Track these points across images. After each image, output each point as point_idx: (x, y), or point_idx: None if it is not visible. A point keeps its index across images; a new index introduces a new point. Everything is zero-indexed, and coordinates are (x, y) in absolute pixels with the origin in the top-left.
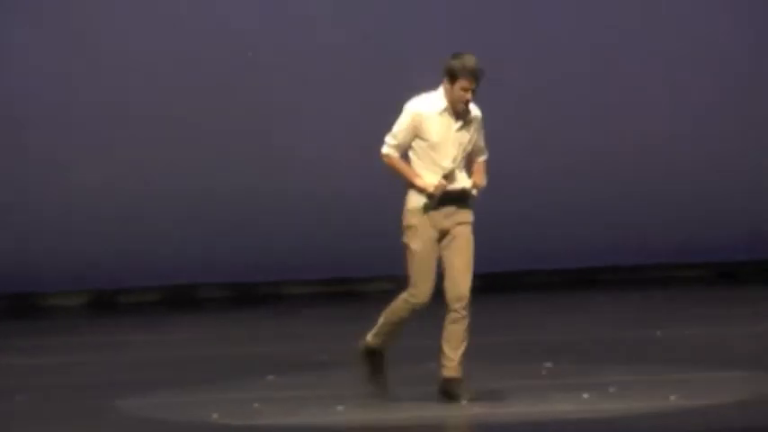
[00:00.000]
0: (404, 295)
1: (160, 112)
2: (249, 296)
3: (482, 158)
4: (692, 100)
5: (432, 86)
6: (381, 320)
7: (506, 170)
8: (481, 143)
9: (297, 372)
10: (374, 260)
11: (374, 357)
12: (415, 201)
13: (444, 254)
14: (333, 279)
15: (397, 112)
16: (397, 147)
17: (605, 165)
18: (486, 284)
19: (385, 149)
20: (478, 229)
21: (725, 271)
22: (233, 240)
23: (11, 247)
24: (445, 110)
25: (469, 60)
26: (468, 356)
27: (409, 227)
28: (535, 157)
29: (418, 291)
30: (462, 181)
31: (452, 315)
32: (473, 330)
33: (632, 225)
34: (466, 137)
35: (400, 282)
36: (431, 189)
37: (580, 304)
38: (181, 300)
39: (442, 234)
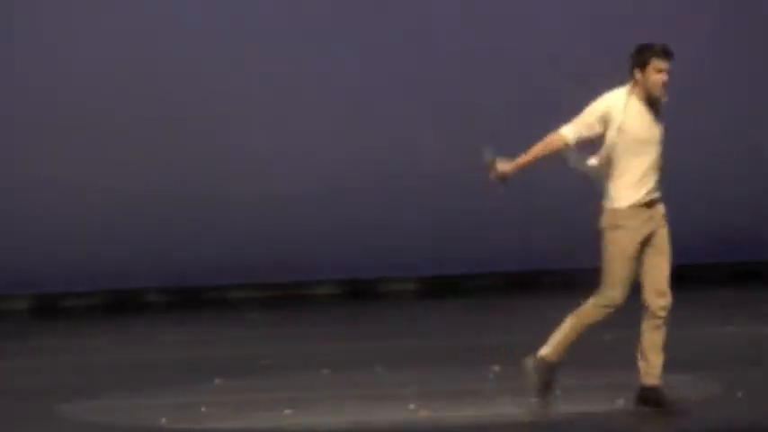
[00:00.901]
0: (594, 300)
1: (100, 114)
2: (195, 300)
3: None
4: None
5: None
6: (565, 332)
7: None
8: None
9: (245, 375)
10: (318, 263)
11: (548, 371)
12: (624, 198)
13: (646, 257)
14: (276, 283)
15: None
16: (578, 139)
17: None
18: (430, 288)
19: (570, 136)
20: (418, 234)
21: (676, 273)
22: (177, 244)
23: None
24: (633, 101)
25: (657, 44)
26: (413, 360)
27: (617, 227)
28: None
29: (616, 294)
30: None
31: (655, 321)
32: (413, 334)
33: (574, 228)
34: (660, 128)
35: (344, 285)
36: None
37: (526, 307)
38: (127, 304)
39: (646, 239)
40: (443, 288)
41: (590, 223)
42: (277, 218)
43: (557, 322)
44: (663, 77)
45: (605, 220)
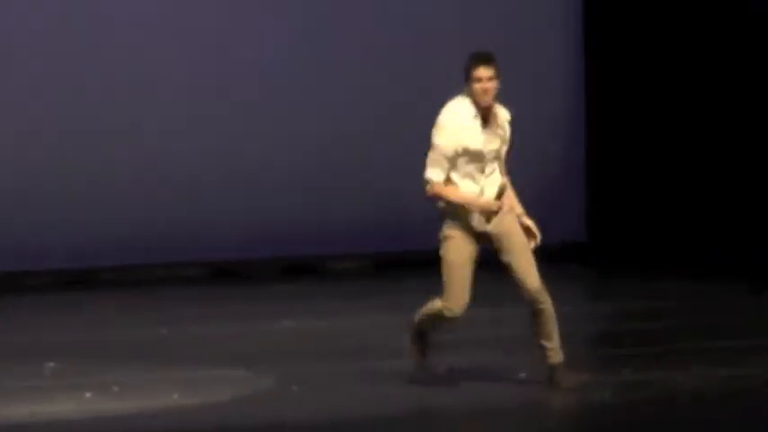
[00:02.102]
0: (438, 304)
1: None
2: None
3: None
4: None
5: None
6: (414, 325)
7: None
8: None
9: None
10: None
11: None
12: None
13: (503, 256)
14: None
15: None
16: (444, 171)
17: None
18: None
19: (435, 177)
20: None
21: (223, 269)
22: None
23: None
24: (476, 116)
25: (478, 51)
26: None
27: (447, 237)
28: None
29: (452, 303)
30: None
31: (534, 308)
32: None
33: (124, 225)
34: (496, 142)
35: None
36: (495, 208)
37: (78, 304)
38: None
39: (486, 238)
40: None
41: None
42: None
43: (106, 319)
44: (482, 86)
45: None
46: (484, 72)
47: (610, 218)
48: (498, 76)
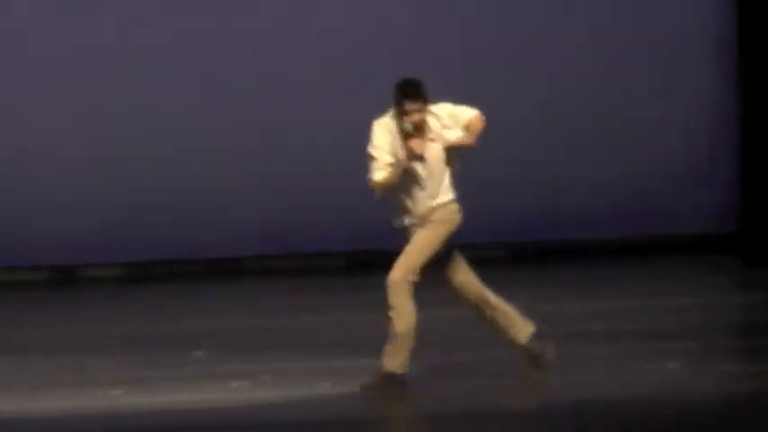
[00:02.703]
0: None
1: None
2: None
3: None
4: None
5: None
6: None
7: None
8: (457, 113)
9: None
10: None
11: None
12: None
13: None
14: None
15: None
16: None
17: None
18: (130, 274)
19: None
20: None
21: (358, 260)
22: None
23: None
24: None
25: (406, 81)
26: (115, 345)
27: None
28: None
29: None
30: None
31: None
32: (115, 319)
33: (263, 217)
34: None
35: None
36: (413, 151)
37: (223, 293)
38: None
39: None
40: (143, 274)
41: None
42: None
43: (261, 306)
44: (410, 119)
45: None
46: (411, 105)
47: (761, 208)
48: (426, 102)
